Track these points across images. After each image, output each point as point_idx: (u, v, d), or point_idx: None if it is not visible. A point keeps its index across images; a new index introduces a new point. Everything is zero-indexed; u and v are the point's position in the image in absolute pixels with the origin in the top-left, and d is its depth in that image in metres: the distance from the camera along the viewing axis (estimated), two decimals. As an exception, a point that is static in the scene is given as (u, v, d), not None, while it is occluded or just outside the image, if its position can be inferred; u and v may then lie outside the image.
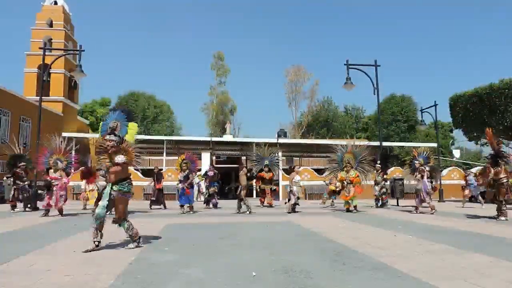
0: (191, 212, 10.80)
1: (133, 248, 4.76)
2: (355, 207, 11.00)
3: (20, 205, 11.85)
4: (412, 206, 11.46)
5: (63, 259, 4.13)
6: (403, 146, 31.06)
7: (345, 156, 11.58)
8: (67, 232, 6.49)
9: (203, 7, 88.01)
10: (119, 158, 4.75)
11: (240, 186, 11.15)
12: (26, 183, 11.89)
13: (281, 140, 23.76)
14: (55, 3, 27.28)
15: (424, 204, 10.74)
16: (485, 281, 3.20)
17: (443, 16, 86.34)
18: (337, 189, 13.23)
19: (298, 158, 31.05)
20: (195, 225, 8.06)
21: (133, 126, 5.10)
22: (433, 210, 10.32)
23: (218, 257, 4.31)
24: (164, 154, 22.13)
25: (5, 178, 13.48)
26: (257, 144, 22.72)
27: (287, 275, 3.42)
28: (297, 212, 10.97)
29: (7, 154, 11.85)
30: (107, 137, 4.85)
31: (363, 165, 11.53)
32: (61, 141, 10.33)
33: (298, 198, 11.06)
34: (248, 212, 10.65)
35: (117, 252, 4.57)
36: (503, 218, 8.51)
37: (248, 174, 12.02)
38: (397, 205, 14.56)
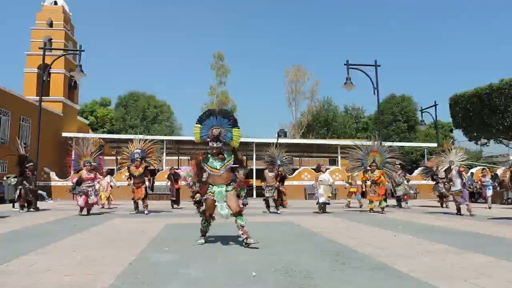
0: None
1: (254, 242, 4.88)
2: (382, 208, 10.83)
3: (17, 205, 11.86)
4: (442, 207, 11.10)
5: (63, 259, 4.12)
6: (403, 146, 31.08)
7: (369, 155, 11.36)
8: (67, 232, 6.49)
9: (203, 7, 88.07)
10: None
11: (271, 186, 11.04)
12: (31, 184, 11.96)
13: (281, 140, 23.73)
14: (55, 3, 27.24)
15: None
16: (485, 281, 3.20)
17: (443, 16, 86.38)
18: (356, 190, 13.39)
19: (298, 158, 31.04)
20: (195, 225, 8.04)
21: (237, 132, 5.26)
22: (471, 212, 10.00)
23: (218, 257, 4.32)
24: (164, 154, 22.12)
25: (5, 178, 13.48)
26: (257, 144, 22.75)
27: (287, 275, 3.42)
28: (328, 212, 10.72)
29: (15, 155, 11.89)
30: (215, 144, 5.09)
31: (388, 165, 11.35)
32: (87, 145, 10.88)
33: (329, 197, 10.81)
34: (278, 212, 10.65)
35: (117, 252, 4.57)
36: None
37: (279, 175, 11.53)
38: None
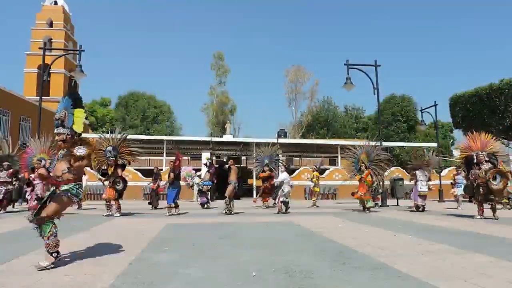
0: (169, 213, 10.23)
1: (46, 266, 3.67)
2: (368, 208, 11.05)
3: None
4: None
5: (63, 259, 4.12)
6: (403, 146, 31.05)
7: (360, 156, 11.81)
8: (66, 232, 6.48)
9: (203, 7, 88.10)
10: (80, 150, 3.93)
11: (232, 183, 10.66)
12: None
13: (281, 140, 23.73)
14: (55, 3, 27.29)
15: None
16: (485, 281, 3.20)
17: (443, 16, 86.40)
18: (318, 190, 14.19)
19: (298, 158, 31.04)
20: (195, 225, 8.06)
21: (79, 113, 4.17)
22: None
23: (218, 257, 4.31)
24: (164, 154, 22.11)
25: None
26: (257, 144, 22.74)
27: (287, 275, 3.42)
28: (287, 212, 10.72)
29: None
30: (55, 130, 4.03)
31: (374, 164, 11.66)
32: (47, 140, 10.38)
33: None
34: (225, 212, 10.32)
35: (117, 252, 4.57)
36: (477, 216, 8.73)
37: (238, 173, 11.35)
38: (397, 205, 14.57)
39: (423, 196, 11.35)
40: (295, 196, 19.32)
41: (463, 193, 13.30)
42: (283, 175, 11.18)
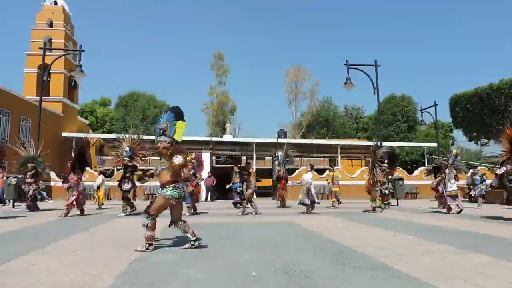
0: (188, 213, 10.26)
1: (188, 247, 4.81)
2: (374, 208, 11.15)
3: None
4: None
5: (63, 259, 4.12)
6: (403, 146, 31.06)
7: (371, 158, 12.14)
8: (67, 232, 6.49)
9: (203, 7, 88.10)
10: (177, 159, 4.64)
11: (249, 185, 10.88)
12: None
13: (281, 140, 23.73)
14: (55, 3, 27.23)
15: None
16: (485, 281, 3.20)
17: (443, 16, 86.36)
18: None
19: (298, 158, 31.04)
20: (195, 225, 8.03)
21: (180, 125, 4.95)
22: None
23: (218, 257, 4.32)
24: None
25: (5, 178, 13.48)
26: (258, 144, 22.73)
27: (287, 275, 3.42)
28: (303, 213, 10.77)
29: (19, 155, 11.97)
30: (158, 138, 4.81)
31: (375, 165, 11.73)
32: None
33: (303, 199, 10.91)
34: (254, 213, 10.43)
35: (117, 252, 4.57)
36: None
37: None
38: (397, 205, 14.56)
39: (454, 196, 10.86)
40: (295, 197, 19.31)
41: (482, 193, 13.55)
42: (308, 175, 11.06)
